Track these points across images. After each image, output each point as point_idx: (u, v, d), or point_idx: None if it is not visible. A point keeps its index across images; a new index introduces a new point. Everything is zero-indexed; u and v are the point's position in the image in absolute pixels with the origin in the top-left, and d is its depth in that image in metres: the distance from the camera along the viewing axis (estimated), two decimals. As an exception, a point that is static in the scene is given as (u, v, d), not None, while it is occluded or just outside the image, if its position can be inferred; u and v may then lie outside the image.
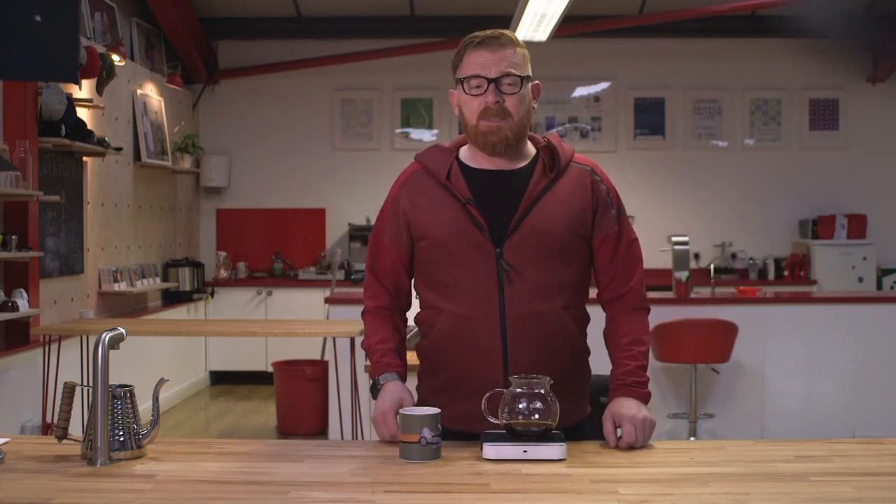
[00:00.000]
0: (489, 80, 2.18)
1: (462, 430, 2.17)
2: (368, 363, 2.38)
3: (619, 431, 2.14)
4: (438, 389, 2.27)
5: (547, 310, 2.20)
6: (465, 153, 2.31)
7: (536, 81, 2.28)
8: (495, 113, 2.19)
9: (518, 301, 2.18)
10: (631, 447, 2.12)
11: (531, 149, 2.31)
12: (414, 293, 2.40)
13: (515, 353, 2.19)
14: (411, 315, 2.41)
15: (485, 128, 2.20)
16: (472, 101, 2.21)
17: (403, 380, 2.27)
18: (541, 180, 2.23)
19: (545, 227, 2.20)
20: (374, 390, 2.26)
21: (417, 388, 2.36)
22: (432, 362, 2.29)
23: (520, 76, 2.20)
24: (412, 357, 2.34)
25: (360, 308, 2.42)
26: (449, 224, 2.22)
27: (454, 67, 2.25)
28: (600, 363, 2.39)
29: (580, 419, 2.30)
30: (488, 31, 2.23)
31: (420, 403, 2.26)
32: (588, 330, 2.33)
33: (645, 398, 2.22)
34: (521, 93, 2.21)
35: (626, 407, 2.17)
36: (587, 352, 2.33)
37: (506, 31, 2.25)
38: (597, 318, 2.36)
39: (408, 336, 3.78)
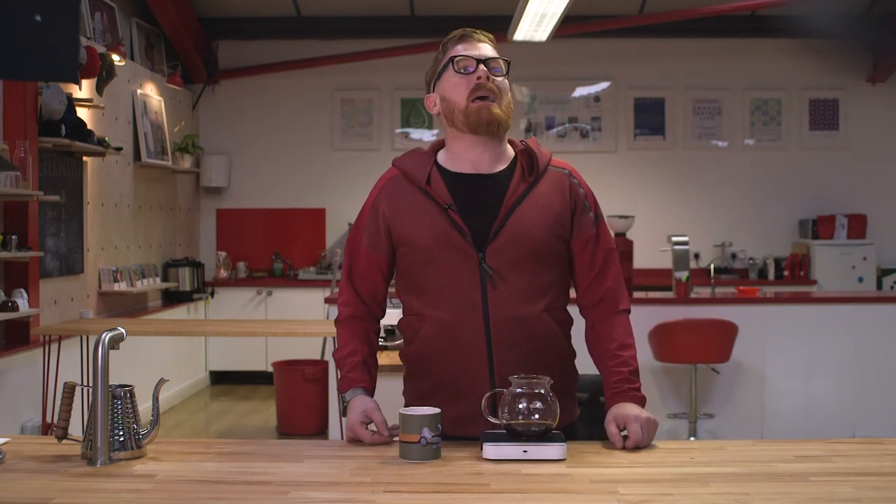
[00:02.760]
0: (478, 61, 2.23)
1: (449, 434, 2.13)
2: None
3: (623, 433, 2.15)
4: (424, 394, 2.26)
5: (530, 313, 2.20)
6: (443, 157, 2.30)
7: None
8: (486, 90, 2.21)
9: (501, 305, 2.19)
10: (637, 446, 2.12)
11: (510, 152, 2.31)
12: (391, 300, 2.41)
13: (500, 357, 2.19)
14: (394, 321, 2.42)
15: (476, 106, 2.21)
16: (461, 82, 2.24)
17: (369, 392, 2.27)
18: (520, 185, 2.23)
19: (525, 231, 2.20)
20: (342, 406, 2.27)
21: (403, 393, 2.36)
22: (417, 368, 2.29)
23: (506, 61, 2.26)
24: (389, 359, 2.38)
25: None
26: (430, 230, 2.21)
27: (436, 65, 2.31)
28: (588, 363, 2.38)
29: (570, 422, 2.29)
30: (469, 29, 2.31)
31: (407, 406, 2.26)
32: (572, 332, 2.32)
33: (642, 402, 2.22)
34: (506, 81, 2.26)
35: (629, 409, 2.17)
36: (573, 354, 2.32)
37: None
38: (579, 320, 2.34)
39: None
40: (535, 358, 2.20)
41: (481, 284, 2.19)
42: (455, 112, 2.25)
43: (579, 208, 2.27)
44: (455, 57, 2.25)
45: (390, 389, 3.49)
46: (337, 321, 2.40)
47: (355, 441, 2.18)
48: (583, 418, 2.38)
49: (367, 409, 2.19)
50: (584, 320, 2.33)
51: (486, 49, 2.26)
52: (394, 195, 2.27)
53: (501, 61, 2.26)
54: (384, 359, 3.68)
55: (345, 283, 2.37)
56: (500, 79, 2.24)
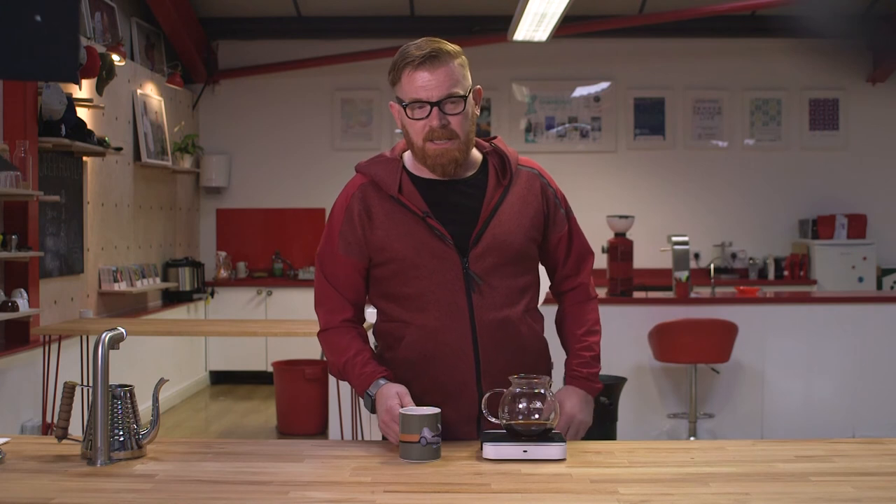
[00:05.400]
0: (432, 104, 2.15)
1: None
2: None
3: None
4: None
5: (512, 315, 2.25)
6: (410, 162, 2.28)
7: (478, 87, 2.24)
8: (441, 135, 2.16)
9: (486, 309, 2.22)
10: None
11: (477, 155, 2.30)
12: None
13: (487, 359, 2.22)
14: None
15: (432, 150, 2.18)
16: (416, 124, 2.18)
17: (391, 379, 2.20)
18: (496, 189, 2.25)
19: (505, 236, 2.23)
20: (370, 403, 2.18)
21: None
22: (401, 373, 2.23)
23: (462, 95, 2.16)
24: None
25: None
26: (410, 239, 2.20)
27: (392, 83, 2.19)
28: (560, 356, 2.45)
29: None
30: (425, 49, 2.14)
31: None
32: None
33: (594, 391, 2.32)
34: (465, 110, 2.18)
35: (572, 401, 2.27)
36: (546, 346, 2.38)
37: (441, 46, 2.16)
38: (548, 314, 2.43)
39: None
40: (519, 358, 2.25)
41: (466, 289, 2.21)
42: (414, 147, 2.22)
43: (552, 208, 2.33)
44: (408, 103, 2.16)
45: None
46: (325, 331, 2.30)
47: (391, 431, 2.08)
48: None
49: (399, 392, 2.12)
50: (556, 306, 2.44)
51: (447, 75, 2.14)
52: (366, 204, 2.25)
53: (459, 96, 2.15)
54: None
55: (326, 293, 2.29)
56: (456, 115, 2.16)
